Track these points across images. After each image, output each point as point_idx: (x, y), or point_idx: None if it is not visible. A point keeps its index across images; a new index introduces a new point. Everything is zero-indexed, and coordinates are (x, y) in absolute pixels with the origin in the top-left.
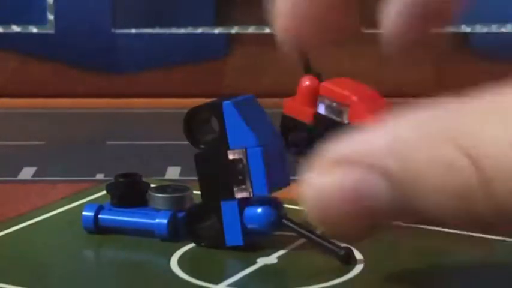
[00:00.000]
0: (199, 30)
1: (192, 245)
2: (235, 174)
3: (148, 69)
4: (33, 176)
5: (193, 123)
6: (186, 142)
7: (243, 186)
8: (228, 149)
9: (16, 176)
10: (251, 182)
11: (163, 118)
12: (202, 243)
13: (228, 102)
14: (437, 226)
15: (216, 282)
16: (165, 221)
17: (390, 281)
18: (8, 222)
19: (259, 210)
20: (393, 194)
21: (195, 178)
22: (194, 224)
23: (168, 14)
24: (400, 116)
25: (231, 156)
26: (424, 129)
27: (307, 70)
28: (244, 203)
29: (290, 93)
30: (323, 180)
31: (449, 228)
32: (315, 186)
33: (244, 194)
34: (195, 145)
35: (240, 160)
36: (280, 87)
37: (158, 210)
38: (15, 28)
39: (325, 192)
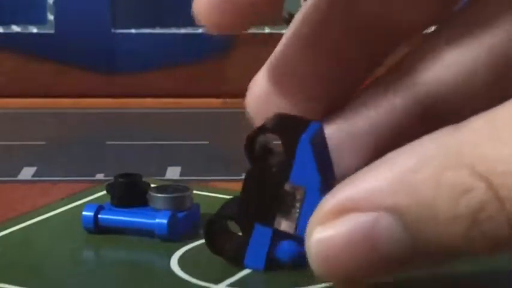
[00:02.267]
0: (199, 30)
1: (192, 245)
2: (285, 206)
3: (148, 69)
4: (33, 176)
5: (257, 139)
6: (186, 142)
7: (289, 221)
8: (287, 180)
9: (16, 176)
10: (298, 221)
11: (163, 118)
12: (223, 256)
13: (305, 137)
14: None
15: (216, 282)
16: (165, 221)
17: (390, 281)
18: (8, 222)
19: (299, 248)
20: (407, 233)
21: (195, 178)
22: (216, 234)
23: (168, 14)
24: (401, 149)
25: (288, 189)
26: (430, 157)
27: None
28: (279, 234)
29: None
30: (327, 233)
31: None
32: (319, 242)
33: (287, 228)
34: (253, 161)
35: (295, 196)
36: None
37: (158, 210)
38: (15, 28)
39: (331, 246)
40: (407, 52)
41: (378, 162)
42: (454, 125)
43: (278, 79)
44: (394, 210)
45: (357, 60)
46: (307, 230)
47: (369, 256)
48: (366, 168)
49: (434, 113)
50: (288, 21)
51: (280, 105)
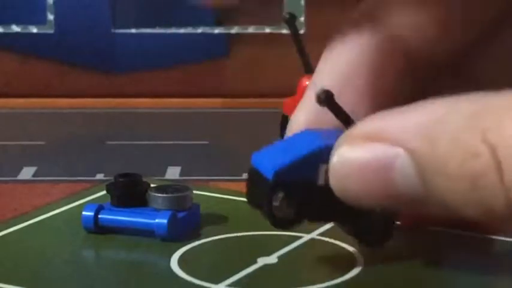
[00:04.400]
0: (199, 30)
1: (192, 245)
2: None
3: (148, 69)
4: (33, 176)
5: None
6: (186, 142)
7: None
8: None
9: (16, 176)
10: None
11: (163, 118)
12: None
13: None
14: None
15: (216, 282)
16: (165, 221)
17: (390, 282)
18: (8, 222)
19: None
20: (419, 178)
21: (195, 178)
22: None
23: (168, 14)
24: (432, 100)
25: None
26: (455, 114)
27: (308, 70)
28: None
29: (290, 93)
30: (352, 154)
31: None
32: (343, 160)
33: None
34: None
35: None
36: (280, 87)
37: (158, 210)
38: (15, 28)
39: (353, 166)
40: None
41: (412, 105)
42: (492, 90)
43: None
44: (412, 153)
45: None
46: (335, 146)
47: (383, 187)
48: (399, 108)
49: (405, 52)
50: (288, 21)
51: None
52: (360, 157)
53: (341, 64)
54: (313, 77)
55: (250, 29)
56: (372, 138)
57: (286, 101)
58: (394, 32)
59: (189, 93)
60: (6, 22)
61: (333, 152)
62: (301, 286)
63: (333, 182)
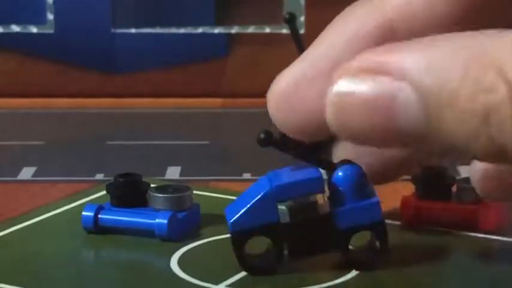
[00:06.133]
0: (199, 30)
1: (192, 245)
2: None
3: (148, 69)
4: (33, 176)
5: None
6: (186, 142)
7: None
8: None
9: (16, 176)
10: None
11: (163, 118)
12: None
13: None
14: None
15: (216, 282)
16: (165, 221)
17: (390, 282)
18: (8, 222)
19: None
20: (423, 113)
21: (195, 178)
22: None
23: (168, 14)
24: (440, 35)
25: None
26: (466, 49)
27: None
28: None
29: None
30: (349, 88)
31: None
32: (342, 92)
33: None
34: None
35: None
36: None
37: (158, 210)
38: (15, 28)
39: (349, 101)
40: None
41: (416, 40)
42: (503, 29)
43: (310, 72)
44: (417, 87)
45: None
46: (333, 79)
47: (382, 122)
48: (402, 42)
49: (394, 39)
50: (288, 21)
51: (307, 99)
52: (359, 90)
53: (329, 47)
54: (304, 53)
55: (250, 29)
56: (373, 71)
57: None
58: (390, 18)
59: (189, 93)
60: (6, 22)
61: (330, 86)
62: (301, 286)
63: (331, 117)
